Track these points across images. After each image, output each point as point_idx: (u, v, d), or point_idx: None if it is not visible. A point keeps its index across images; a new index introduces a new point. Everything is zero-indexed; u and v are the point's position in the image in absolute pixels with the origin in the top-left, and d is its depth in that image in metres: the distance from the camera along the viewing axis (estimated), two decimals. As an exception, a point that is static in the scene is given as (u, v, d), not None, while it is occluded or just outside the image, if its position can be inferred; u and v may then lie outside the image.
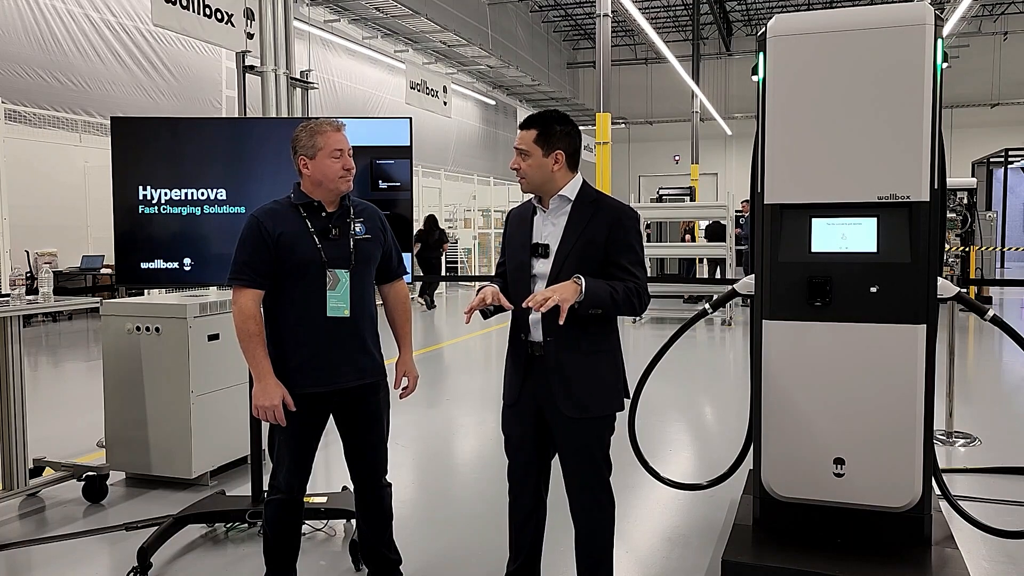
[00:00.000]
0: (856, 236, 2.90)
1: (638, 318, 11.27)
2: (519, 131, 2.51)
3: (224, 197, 3.48)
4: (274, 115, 5.11)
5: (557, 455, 2.60)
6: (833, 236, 2.93)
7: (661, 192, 18.19)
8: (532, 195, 2.57)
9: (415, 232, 15.14)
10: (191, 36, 7.81)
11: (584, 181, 2.55)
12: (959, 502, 3.06)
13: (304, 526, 3.33)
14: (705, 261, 14.04)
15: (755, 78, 3.05)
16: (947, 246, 9.87)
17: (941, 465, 3.22)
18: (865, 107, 2.83)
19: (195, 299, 4.23)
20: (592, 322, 2.43)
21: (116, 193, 3.49)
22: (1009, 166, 20.57)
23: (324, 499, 3.48)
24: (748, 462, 3.26)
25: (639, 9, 14.04)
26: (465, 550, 3.43)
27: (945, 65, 2.87)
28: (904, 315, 2.83)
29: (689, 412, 6.03)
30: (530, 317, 2.48)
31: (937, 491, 3.09)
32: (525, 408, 2.56)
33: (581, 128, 2.60)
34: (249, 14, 7.81)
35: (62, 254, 12.01)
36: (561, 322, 2.30)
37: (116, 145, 3.49)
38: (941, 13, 4.64)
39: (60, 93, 11.57)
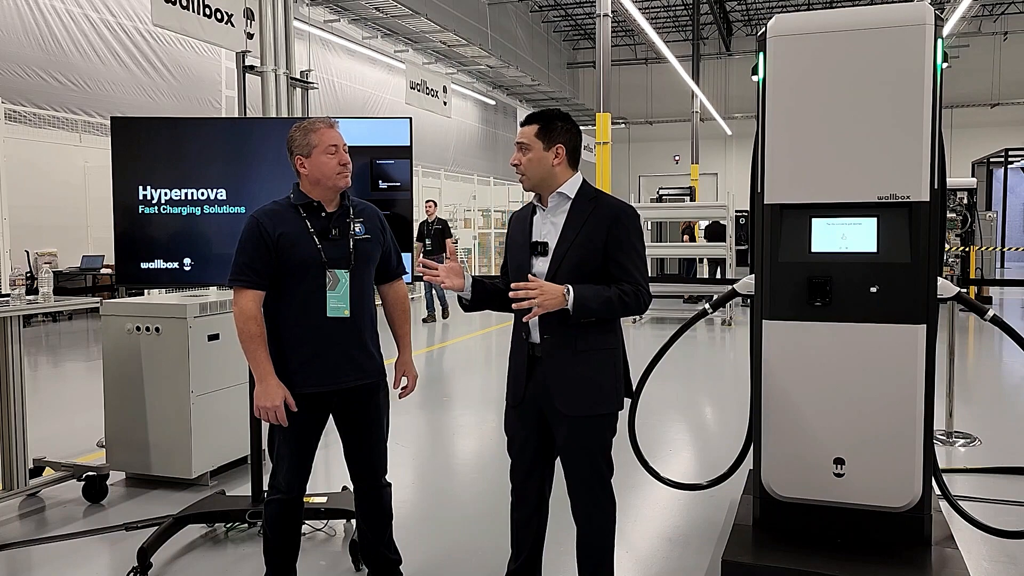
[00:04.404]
0: (856, 236, 2.91)
1: (638, 318, 11.27)
2: (521, 127, 2.53)
3: (224, 197, 3.48)
4: (274, 115, 5.11)
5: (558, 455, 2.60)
6: (833, 236, 2.94)
7: (661, 192, 18.19)
8: (532, 194, 2.58)
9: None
10: (191, 36, 7.82)
11: (584, 179, 2.55)
12: (959, 502, 3.06)
13: (304, 526, 3.33)
14: (705, 261, 14.04)
15: (755, 78, 3.05)
16: (947, 246, 9.87)
17: (941, 465, 3.22)
18: (865, 107, 2.84)
19: (195, 299, 4.23)
20: (590, 322, 2.44)
21: (116, 193, 3.49)
22: (1009, 166, 20.57)
23: (324, 499, 3.47)
24: (748, 462, 3.26)
25: (639, 9, 14.04)
26: (465, 550, 3.43)
27: (945, 65, 2.87)
28: (904, 315, 2.83)
29: (689, 412, 6.03)
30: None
31: (937, 491, 3.09)
32: (527, 408, 2.56)
33: (581, 128, 2.61)
34: (249, 14, 7.82)
35: (62, 254, 12.01)
36: (525, 320, 2.42)
37: (116, 145, 3.49)
38: (941, 13, 4.64)
39: (60, 93, 11.58)
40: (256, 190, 3.43)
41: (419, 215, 10.83)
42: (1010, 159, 19.27)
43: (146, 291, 6.55)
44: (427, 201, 11.73)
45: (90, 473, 4.00)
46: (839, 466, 2.91)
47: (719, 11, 26.32)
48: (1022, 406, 6.26)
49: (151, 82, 12.90)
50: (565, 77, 30.28)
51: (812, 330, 2.93)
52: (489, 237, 19.16)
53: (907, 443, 2.84)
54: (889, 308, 2.84)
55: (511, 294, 2.34)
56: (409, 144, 3.51)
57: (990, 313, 3.01)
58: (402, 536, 3.08)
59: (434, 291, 11.61)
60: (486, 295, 2.62)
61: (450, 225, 12.38)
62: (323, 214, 2.66)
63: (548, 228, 2.51)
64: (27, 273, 10.94)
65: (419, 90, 14.76)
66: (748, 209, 4.15)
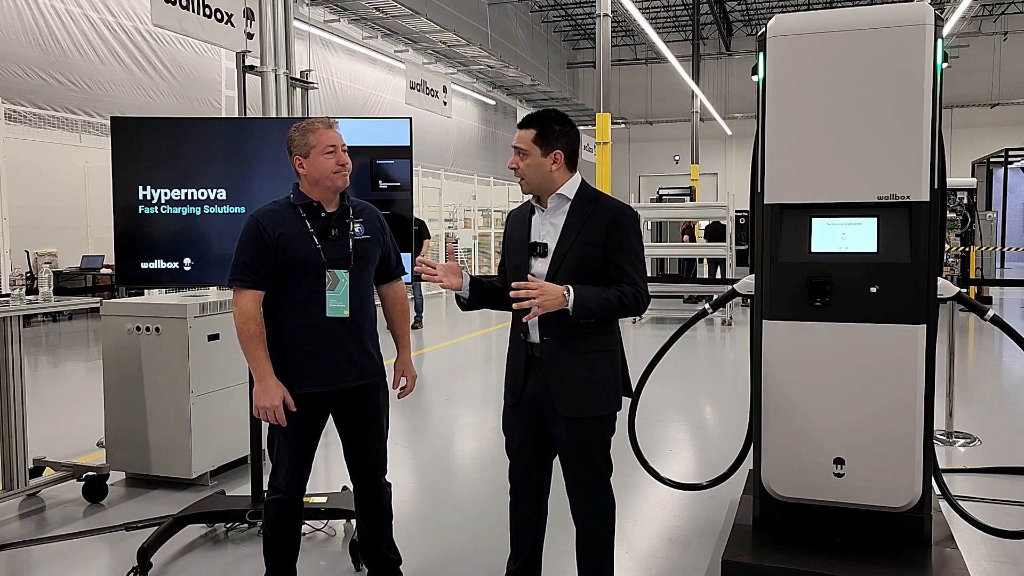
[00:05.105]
0: (856, 236, 2.91)
1: (638, 318, 11.27)
2: (518, 130, 2.50)
3: (224, 197, 3.48)
4: (274, 115, 5.11)
5: (557, 455, 2.60)
6: (833, 236, 2.94)
7: (661, 192, 18.19)
8: (531, 195, 2.57)
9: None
10: (191, 36, 7.82)
11: (583, 180, 2.54)
12: (959, 502, 3.06)
13: (304, 526, 3.33)
14: (705, 261, 14.04)
15: (755, 78, 3.05)
16: (947, 246, 9.87)
17: (941, 465, 3.22)
18: (865, 107, 2.83)
19: (195, 299, 4.23)
20: (590, 323, 2.43)
21: (116, 193, 3.48)
22: (1009, 166, 20.56)
23: (324, 499, 3.48)
24: (748, 462, 3.26)
25: (639, 9, 14.03)
26: (465, 550, 3.43)
27: (945, 65, 2.87)
28: (904, 315, 2.83)
29: (689, 412, 6.03)
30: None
31: (937, 491, 3.09)
32: (525, 409, 2.56)
33: (581, 128, 2.60)
34: (249, 14, 7.82)
35: (62, 254, 12.01)
36: (525, 320, 2.41)
37: (116, 145, 3.49)
38: (941, 13, 4.63)
39: (60, 93, 11.57)
40: (256, 190, 3.43)
41: (418, 215, 10.49)
42: (1010, 159, 19.26)
43: (146, 291, 6.56)
44: None
45: (90, 473, 4.00)
46: (839, 466, 2.91)
47: (719, 11, 26.31)
48: (1022, 406, 6.26)
49: (151, 82, 12.89)
50: (565, 77, 30.28)
51: (812, 330, 2.93)
52: (489, 237, 19.15)
53: (907, 443, 2.84)
54: (889, 308, 2.84)
55: (511, 294, 2.34)
56: (409, 144, 3.51)
57: (990, 313, 3.01)
58: (402, 536, 3.08)
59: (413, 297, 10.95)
60: (484, 294, 2.62)
61: (450, 226, 11.88)
62: (323, 214, 2.66)
63: (547, 229, 2.50)
64: (27, 273, 10.93)
65: (419, 90, 14.75)
66: (748, 209, 4.15)
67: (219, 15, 7.70)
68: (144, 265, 3.50)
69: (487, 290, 2.63)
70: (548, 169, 2.46)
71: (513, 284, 2.34)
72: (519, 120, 2.55)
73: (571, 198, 2.49)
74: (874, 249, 2.88)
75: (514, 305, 2.36)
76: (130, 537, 3.48)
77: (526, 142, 2.46)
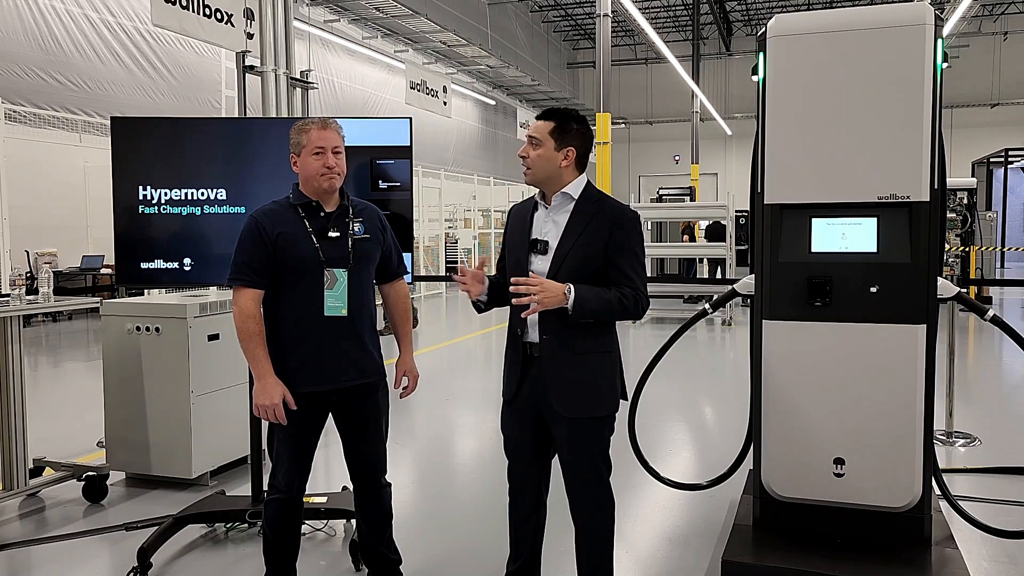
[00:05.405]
0: (856, 236, 2.91)
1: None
2: (535, 121, 2.51)
3: (224, 197, 3.47)
4: (274, 115, 5.10)
5: (556, 455, 2.60)
6: (833, 236, 2.94)
7: (661, 192, 18.19)
8: (535, 190, 2.57)
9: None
10: (191, 36, 7.82)
11: (588, 181, 2.55)
12: (959, 502, 3.06)
13: (304, 526, 3.33)
14: (705, 261, 14.04)
15: (755, 78, 3.05)
16: (947, 246, 9.86)
17: (941, 465, 3.22)
18: (865, 107, 2.84)
19: (195, 299, 4.23)
20: (589, 323, 2.43)
21: (116, 193, 3.48)
22: (1009, 166, 20.57)
23: (324, 499, 3.48)
24: (748, 462, 3.26)
25: (639, 9, 14.03)
26: (465, 550, 3.43)
27: (945, 65, 2.87)
28: (904, 315, 2.83)
29: (689, 412, 6.03)
30: (527, 317, 2.49)
31: (937, 491, 3.09)
32: (523, 408, 2.56)
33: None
34: (249, 14, 7.82)
35: (62, 254, 12.01)
36: (523, 316, 2.40)
37: (116, 145, 3.49)
38: (941, 13, 4.64)
39: (60, 93, 11.58)
40: (256, 190, 3.43)
41: (419, 215, 10.50)
42: (1010, 159, 19.27)
43: (146, 291, 6.55)
44: None
45: (90, 473, 4.00)
46: (839, 466, 2.91)
47: (719, 11, 26.31)
48: (1022, 406, 6.26)
49: (151, 82, 12.90)
50: (565, 77, 30.28)
51: (812, 330, 2.93)
52: (489, 237, 19.15)
53: (907, 443, 2.84)
54: (889, 308, 2.84)
55: (511, 289, 2.34)
56: (409, 144, 3.51)
57: (990, 313, 3.01)
58: (402, 536, 3.08)
59: None
60: (495, 294, 2.63)
61: (450, 226, 11.98)
62: (322, 214, 2.66)
63: (550, 227, 2.51)
64: (27, 273, 10.93)
65: (419, 90, 14.75)
66: (748, 209, 4.15)
67: (219, 15, 7.70)
68: (144, 265, 3.50)
69: (495, 288, 2.64)
70: (558, 164, 2.47)
71: (513, 280, 2.34)
72: (538, 113, 2.56)
73: (576, 198, 2.49)
74: (874, 249, 2.88)
75: (513, 300, 2.36)
76: (130, 537, 3.48)
77: (542, 133, 2.47)
